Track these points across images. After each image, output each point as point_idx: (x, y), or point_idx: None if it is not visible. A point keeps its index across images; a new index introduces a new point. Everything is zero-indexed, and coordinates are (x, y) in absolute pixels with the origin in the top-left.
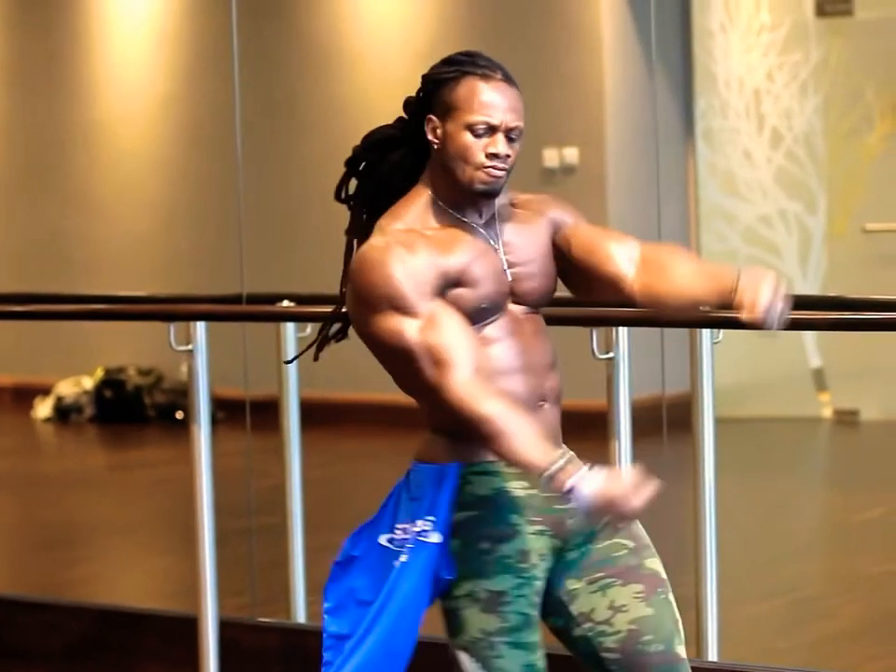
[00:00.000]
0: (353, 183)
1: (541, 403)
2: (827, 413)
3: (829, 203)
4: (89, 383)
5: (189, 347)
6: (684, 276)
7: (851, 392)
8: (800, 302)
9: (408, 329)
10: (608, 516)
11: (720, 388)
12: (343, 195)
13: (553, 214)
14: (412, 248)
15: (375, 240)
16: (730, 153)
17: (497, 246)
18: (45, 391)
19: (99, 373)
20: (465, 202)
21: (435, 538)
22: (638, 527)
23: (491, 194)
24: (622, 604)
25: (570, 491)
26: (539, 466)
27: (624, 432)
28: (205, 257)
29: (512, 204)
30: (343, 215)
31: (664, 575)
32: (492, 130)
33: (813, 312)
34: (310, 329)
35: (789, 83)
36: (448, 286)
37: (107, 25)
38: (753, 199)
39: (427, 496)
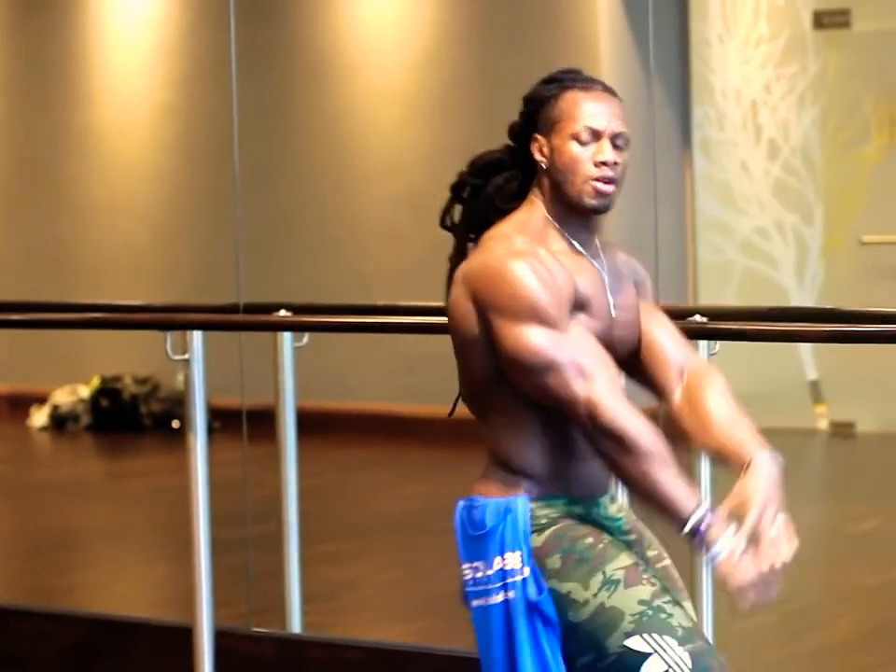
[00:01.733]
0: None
1: None
2: (823, 424)
3: (826, 214)
4: (85, 391)
5: (186, 356)
6: (713, 424)
7: (848, 404)
8: (797, 315)
9: (554, 342)
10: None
11: None
12: (448, 222)
13: (639, 279)
14: (549, 263)
15: (505, 249)
16: (727, 164)
17: (605, 282)
18: (41, 400)
19: (95, 382)
20: (576, 220)
21: (527, 571)
22: (675, 570)
23: (602, 209)
24: None
25: (710, 554)
26: (682, 512)
27: None
28: (202, 266)
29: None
30: (339, 224)
31: (695, 617)
32: (596, 136)
33: (810, 324)
34: (306, 339)
35: (786, 95)
36: (576, 307)
37: (105, 34)
38: (750, 210)
39: (497, 530)
